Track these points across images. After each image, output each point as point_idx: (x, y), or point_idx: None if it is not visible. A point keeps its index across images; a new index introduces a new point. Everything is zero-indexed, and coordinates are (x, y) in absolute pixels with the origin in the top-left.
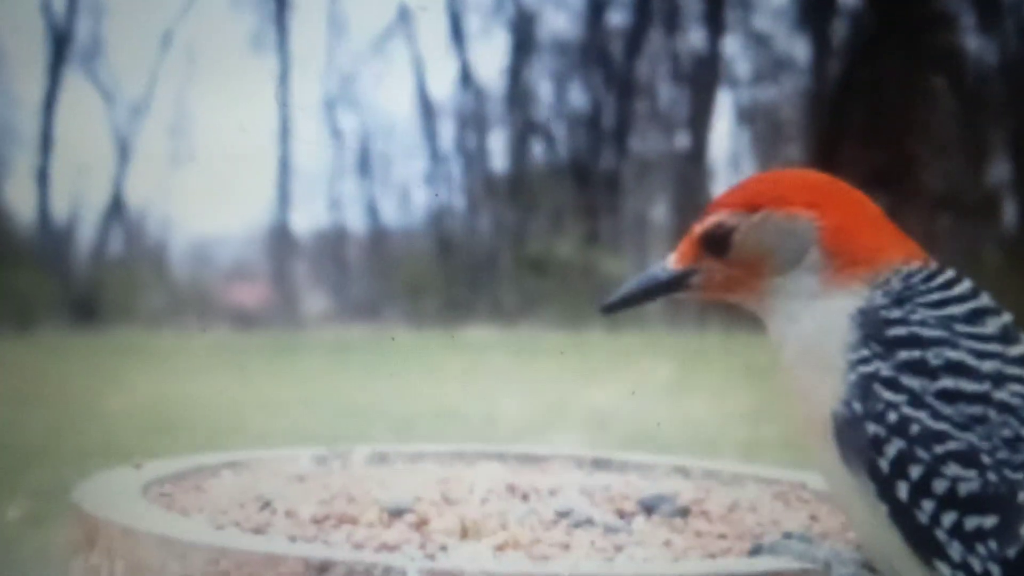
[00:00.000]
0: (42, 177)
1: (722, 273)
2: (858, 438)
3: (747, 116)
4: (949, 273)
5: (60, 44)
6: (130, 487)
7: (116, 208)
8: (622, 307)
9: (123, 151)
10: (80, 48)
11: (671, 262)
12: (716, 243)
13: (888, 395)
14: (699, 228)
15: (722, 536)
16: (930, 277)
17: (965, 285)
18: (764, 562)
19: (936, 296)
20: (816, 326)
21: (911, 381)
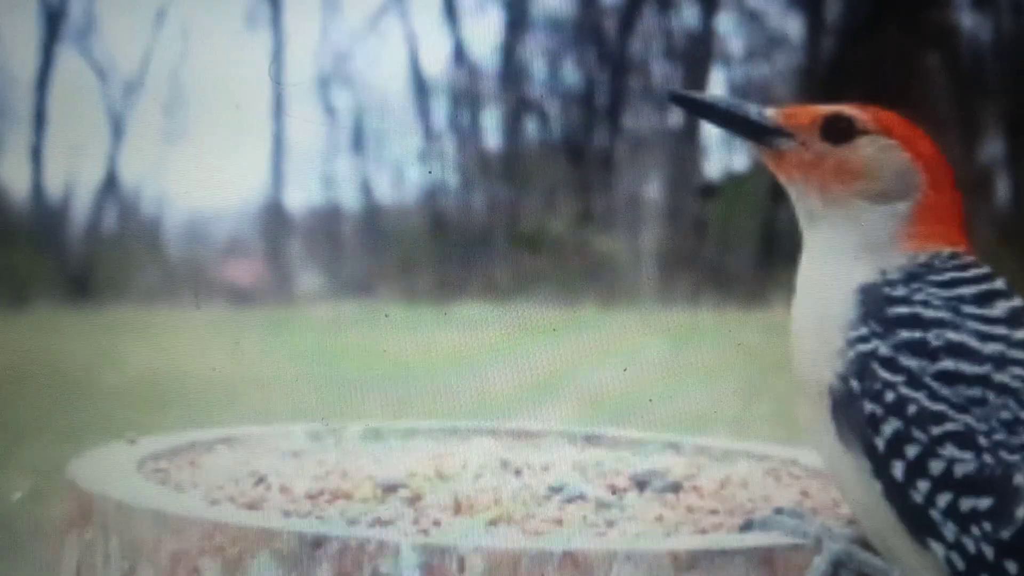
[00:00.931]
0: (36, 154)
1: (819, 157)
2: (855, 416)
3: (740, 93)
4: (971, 259)
5: (53, 21)
6: (125, 463)
7: (110, 185)
8: (689, 105)
9: (117, 128)
10: (73, 25)
11: (769, 112)
12: (840, 130)
13: (886, 375)
14: (828, 108)
15: (713, 511)
16: (953, 257)
17: (982, 269)
18: (755, 537)
19: (949, 276)
20: (825, 296)
21: (910, 361)
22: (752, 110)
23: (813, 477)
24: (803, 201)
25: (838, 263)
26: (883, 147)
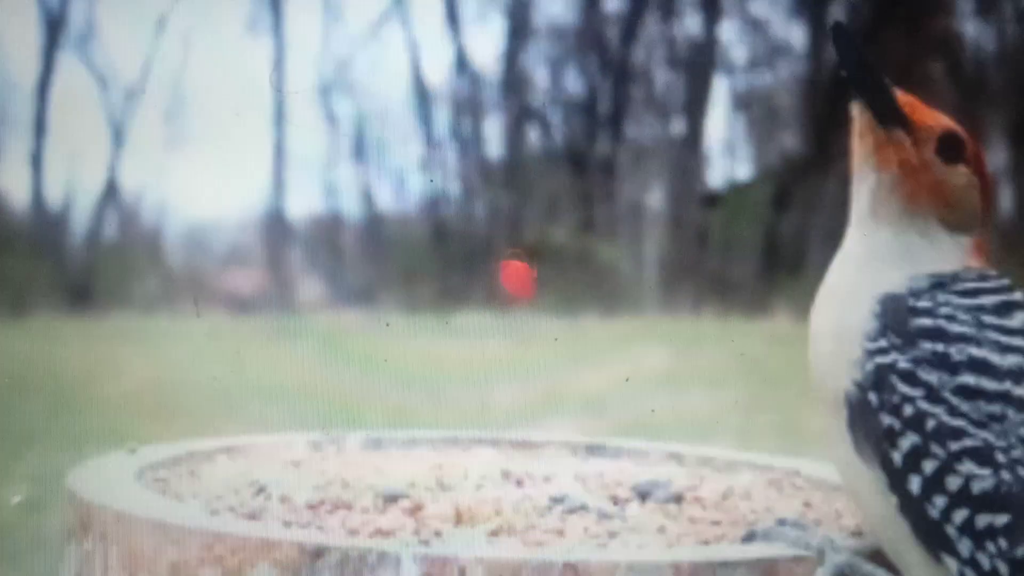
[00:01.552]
0: (36, 162)
1: (925, 166)
2: (872, 428)
3: (743, 102)
4: (992, 271)
5: (54, 28)
6: (125, 472)
7: (111, 193)
8: (844, 44)
9: (117, 136)
10: (74, 32)
11: (900, 93)
12: (950, 149)
13: (905, 388)
14: (949, 121)
15: (716, 523)
16: (976, 269)
17: (1003, 280)
18: (758, 549)
19: (972, 284)
20: (849, 301)
21: (929, 375)
22: (889, 83)
23: (816, 488)
24: (880, 197)
25: (872, 269)
26: (971, 184)
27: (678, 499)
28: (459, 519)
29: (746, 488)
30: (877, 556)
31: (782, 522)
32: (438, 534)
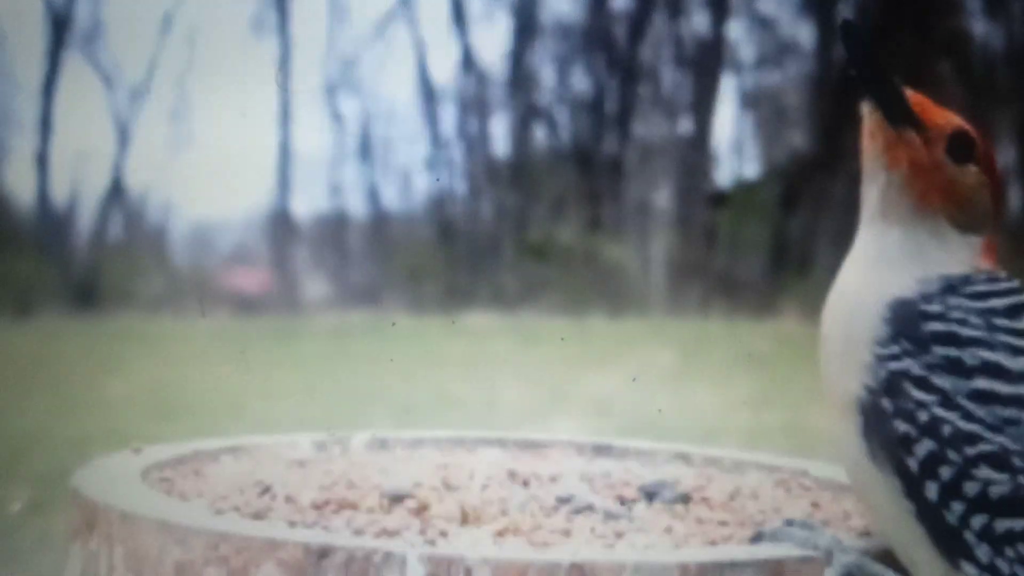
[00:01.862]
0: (42, 162)
1: (936, 165)
2: (887, 435)
3: (751, 101)
4: (1002, 273)
5: (60, 28)
6: (129, 472)
7: (116, 193)
8: (853, 41)
9: (123, 135)
10: (80, 32)
11: (910, 92)
12: (961, 149)
13: (919, 394)
14: (960, 120)
15: (723, 523)
16: (986, 271)
17: (1013, 282)
18: (765, 549)
19: (982, 287)
20: (859, 303)
21: (943, 381)
22: (899, 82)
23: (824, 489)
24: (890, 197)
25: (882, 271)
26: (982, 183)
27: (685, 499)
28: (465, 519)
29: (754, 488)
30: (886, 557)
31: (790, 523)
32: (444, 534)
